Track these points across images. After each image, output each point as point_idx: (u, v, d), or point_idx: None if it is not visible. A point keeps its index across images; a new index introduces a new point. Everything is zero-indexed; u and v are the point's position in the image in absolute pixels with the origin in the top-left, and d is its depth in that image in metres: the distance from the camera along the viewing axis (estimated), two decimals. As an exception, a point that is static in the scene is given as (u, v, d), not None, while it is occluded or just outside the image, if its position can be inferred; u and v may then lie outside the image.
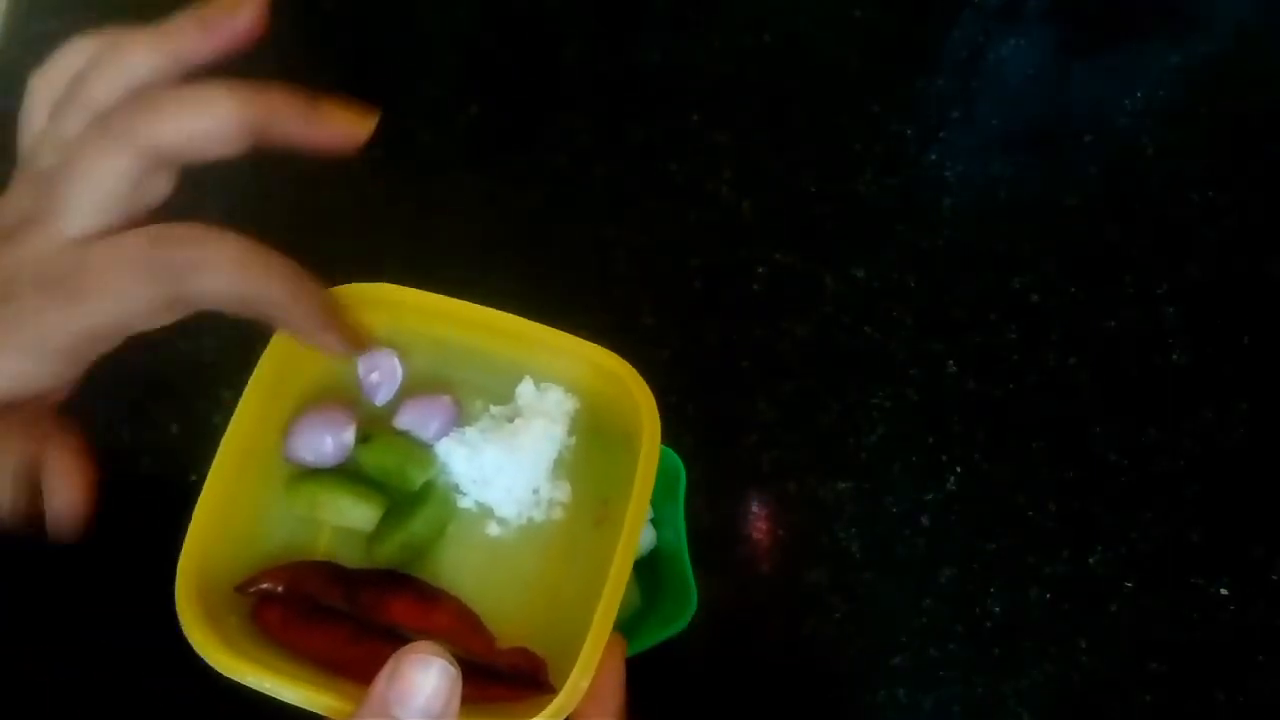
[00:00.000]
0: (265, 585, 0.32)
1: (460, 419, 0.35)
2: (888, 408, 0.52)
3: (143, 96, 0.29)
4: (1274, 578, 0.49)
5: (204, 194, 0.60)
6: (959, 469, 0.51)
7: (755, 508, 0.50)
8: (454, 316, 0.35)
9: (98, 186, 0.28)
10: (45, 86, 0.30)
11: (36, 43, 0.61)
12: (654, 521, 0.46)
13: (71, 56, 0.30)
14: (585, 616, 0.29)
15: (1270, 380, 0.54)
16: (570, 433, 0.35)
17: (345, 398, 0.35)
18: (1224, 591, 0.49)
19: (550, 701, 0.28)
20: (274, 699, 0.29)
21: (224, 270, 0.28)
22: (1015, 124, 0.62)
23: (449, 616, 0.33)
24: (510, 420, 0.35)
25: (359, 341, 0.32)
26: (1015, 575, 0.49)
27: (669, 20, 0.66)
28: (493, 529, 0.35)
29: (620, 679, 0.34)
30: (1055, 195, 0.60)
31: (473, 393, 0.36)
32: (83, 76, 0.29)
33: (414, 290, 0.35)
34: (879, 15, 0.66)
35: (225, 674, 0.29)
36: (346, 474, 0.34)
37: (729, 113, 0.61)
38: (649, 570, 0.46)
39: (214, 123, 0.29)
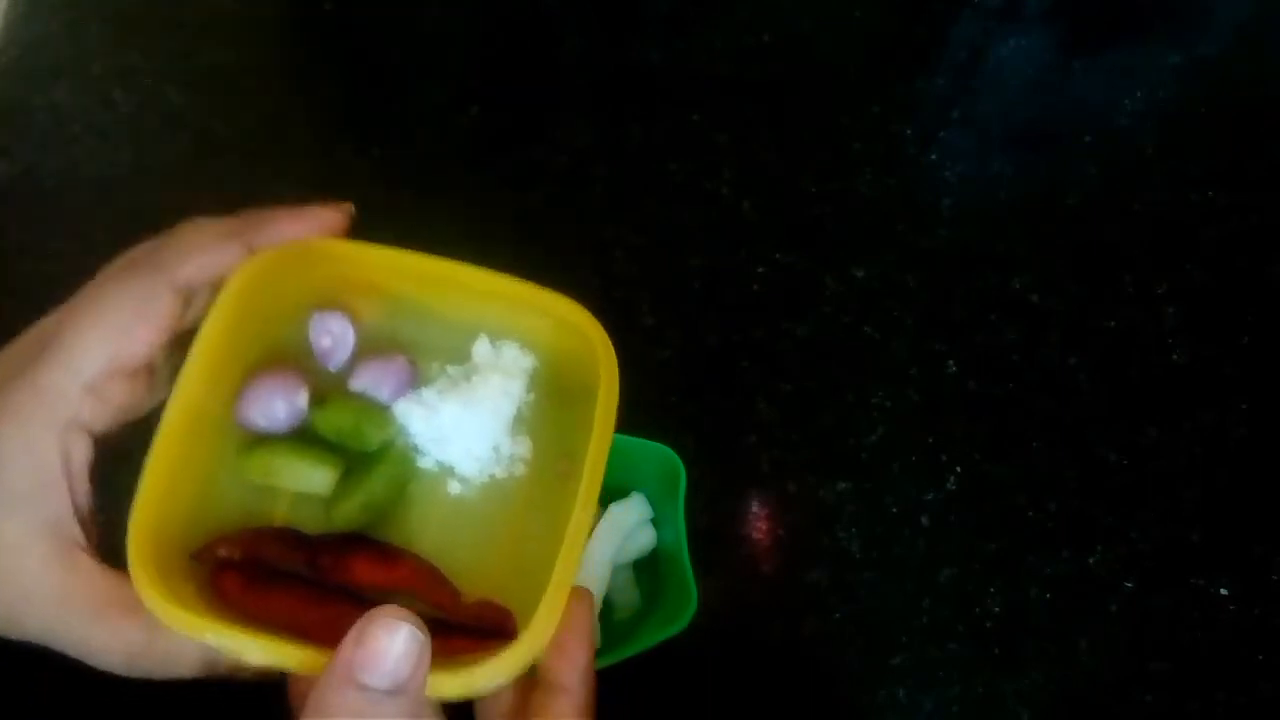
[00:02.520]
0: (222, 552, 0.31)
1: (417, 381, 0.34)
2: (888, 408, 0.52)
3: None
4: (1274, 578, 0.49)
5: (201, 193, 0.60)
6: (959, 469, 0.51)
7: (755, 508, 0.50)
8: (406, 271, 0.34)
9: None
10: None
11: (37, 43, 0.61)
12: (654, 521, 0.46)
13: None
14: (552, 570, 0.29)
15: (1270, 380, 0.54)
16: (529, 389, 0.35)
17: (297, 362, 0.34)
18: (1224, 591, 0.49)
19: (515, 644, 0.28)
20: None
21: None
22: (1015, 124, 0.62)
23: (411, 572, 0.32)
24: (468, 378, 0.35)
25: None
26: (1015, 575, 0.49)
27: (669, 20, 0.66)
28: (454, 487, 0.34)
29: (587, 632, 0.33)
30: (1055, 195, 0.60)
31: (429, 354, 0.35)
32: None
33: (364, 244, 0.34)
34: (879, 15, 0.66)
35: (186, 632, 0.28)
36: (301, 438, 0.33)
37: (729, 113, 0.61)
38: (649, 570, 0.46)
39: None
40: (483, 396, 0.34)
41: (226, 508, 0.33)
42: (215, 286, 0.32)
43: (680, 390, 0.50)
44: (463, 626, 0.31)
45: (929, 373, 0.53)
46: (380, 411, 0.34)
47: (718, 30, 0.65)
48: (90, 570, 0.29)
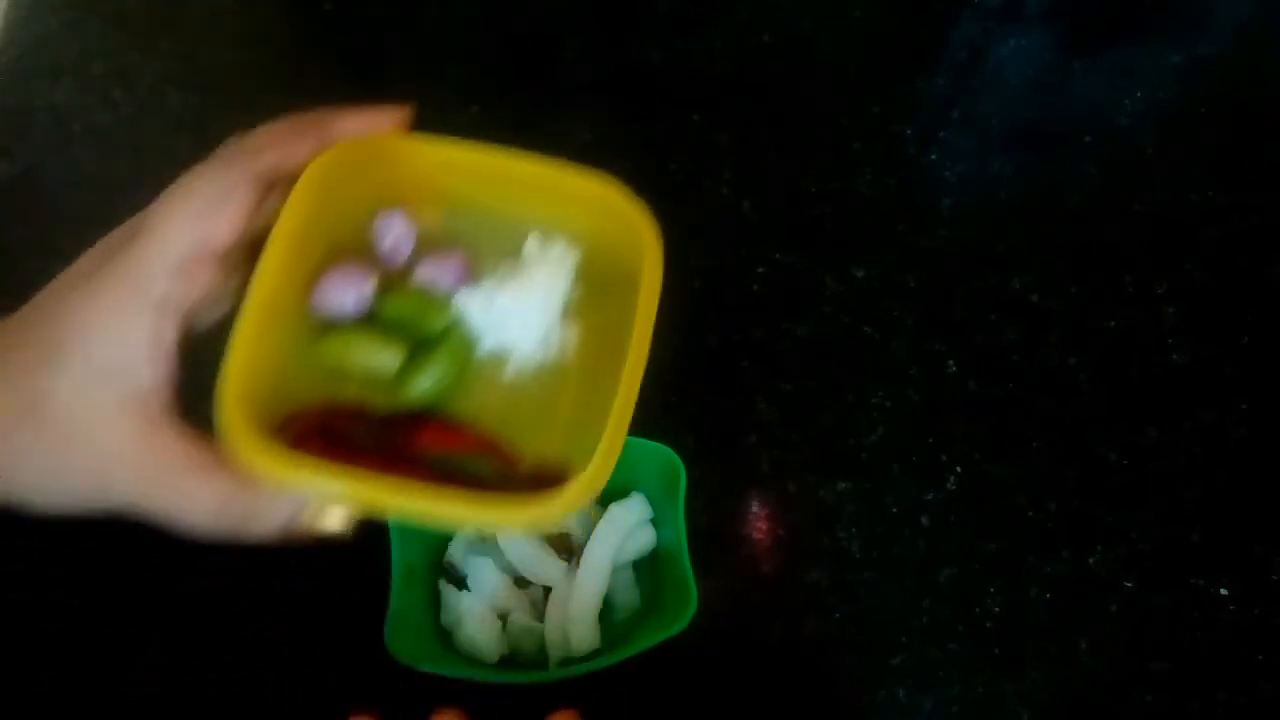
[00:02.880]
0: (302, 425, 0.34)
1: (473, 275, 0.38)
2: (888, 408, 0.52)
3: None
4: (1274, 578, 0.49)
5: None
6: (959, 469, 0.51)
7: (755, 508, 0.50)
8: (464, 166, 0.38)
9: None
10: None
11: (37, 43, 0.61)
12: (654, 521, 0.46)
13: None
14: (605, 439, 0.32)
15: (1270, 380, 0.54)
16: (576, 280, 0.39)
17: (364, 259, 0.38)
18: (1224, 591, 0.49)
19: (579, 478, 0.31)
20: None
21: None
22: (1015, 124, 0.62)
23: (474, 439, 0.36)
24: (520, 271, 0.38)
25: None
26: (1015, 575, 0.49)
27: (669, 20, 0.66)
28: (510, 370, 0.37)
29: None
30: (1055, 195, 0.60)
31: (484, 250, 0.38)
32: None
33: (426, 138, 0.38)
34: (879, 15, 0.66)
35: (275, 474, 0.31)
36: (370, 323, 0.37)
37: (729, 113, 0.61)
38: (649, 570, 0.46)
39: None
40: (534, 287, 0.38)
41: (301, 392, 0.35)
42: (290, 181, 0.34)
43: (680, 390, 0.50)
44: (523, 489, 0.33)
45: (929, 373, 0.53)
46: (441, 300, 0.37)
47: (718, 30, 0.65)
48: (176, 438, 0.32)
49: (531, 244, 0.39)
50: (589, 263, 0.39)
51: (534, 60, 0.63)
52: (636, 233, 0.37)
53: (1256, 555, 0.50)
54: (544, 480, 0.34)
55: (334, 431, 0.34)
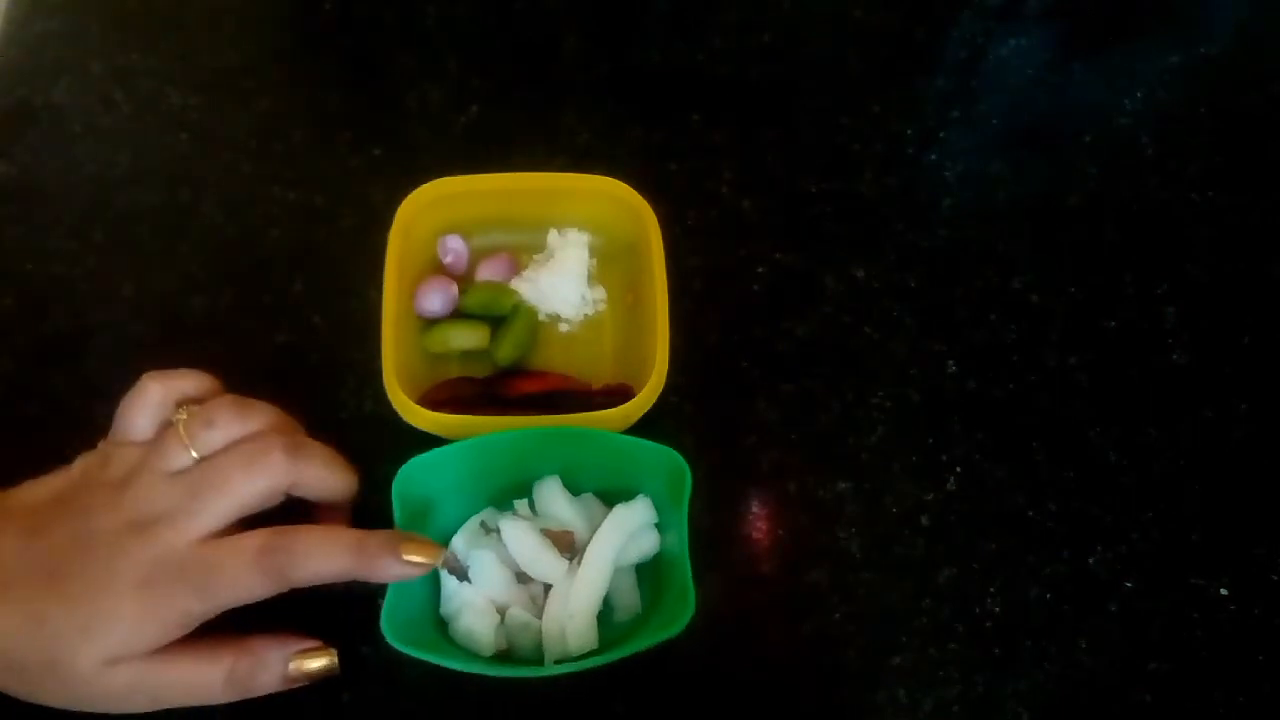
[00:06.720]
0: (438, 396, 0.47)
1: (517, 267, 0.53)
2: (888, 408, 0.52)
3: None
4: (1274, 578, 0.49)
5: (201, 194, 0.60)
6: (959, 469, 0.51)
7: (755, 508, 0.50)
8: (497, 188, 0.51)
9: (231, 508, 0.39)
10: (159, 393, 0.42)
11: (37, 43, 0.61)
12: (658, 526, 0.46)
13: (185, 382, 0.43)
14: (649, 356, 0.46)
15: (1270, 380, 0.54)
16: (593, 254, 0.53)
17: (438, 272, 0.52)
18: (1224, 591, 0.49)
19: (644, 390, 0.46)
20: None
21: (316, 559, 0.38)
22: (1015, 124, 0.62)
23: (557, 379, 0.49)
24: (551, 257, 0.52)
25: (432, 552, 0.40)
26: (1015, 575, 0.49)
27: (669, 20, 0.66)
28: (563, 327, 0.52)
29: None
30: (1055, 195, 0.60)
31: (520, 249, 0.53)
32: (211, 418, 0.40)
33: (468, 177, 0.51)
34: (879, 15, 0.66)
35: (429, 428, 0.45)
36: (459, 316, 0.51)
37: (729, 113, 0.61)
38: (651, 574, 0.46)
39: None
40: (563, 265, 0.52)
41: (419, 373, 0.49)
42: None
43: (680, 390, 0.50)
44: (599, 404, 0.46)
45: (929, 373, 0.53)
46: (506, 288, 0.51)
47: (718, 30, 0.65)
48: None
49: (552, 235, 0.53)
50: (597, 240, 0.53)
51: (534, 60, 0.63)
52: (631, 208, 0.50)
53: (1256, 555, 0.50)
54: (613, 395, 0.47)
55: (458, 397, 0.48)
